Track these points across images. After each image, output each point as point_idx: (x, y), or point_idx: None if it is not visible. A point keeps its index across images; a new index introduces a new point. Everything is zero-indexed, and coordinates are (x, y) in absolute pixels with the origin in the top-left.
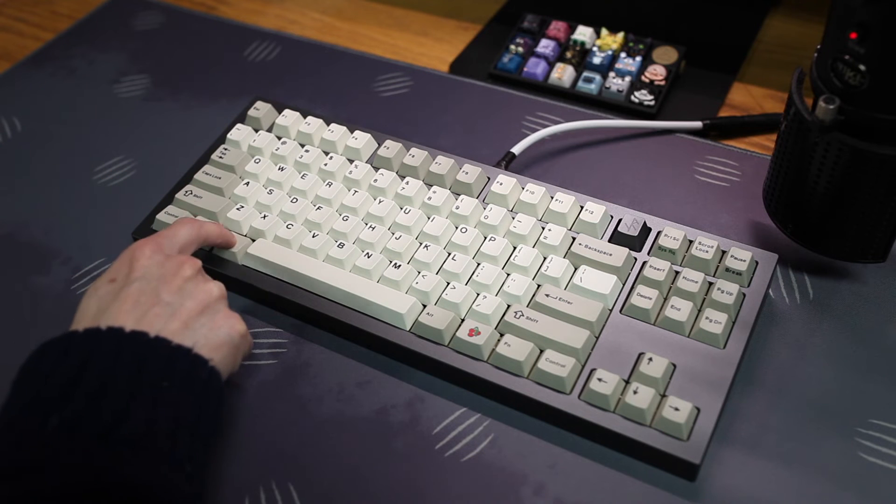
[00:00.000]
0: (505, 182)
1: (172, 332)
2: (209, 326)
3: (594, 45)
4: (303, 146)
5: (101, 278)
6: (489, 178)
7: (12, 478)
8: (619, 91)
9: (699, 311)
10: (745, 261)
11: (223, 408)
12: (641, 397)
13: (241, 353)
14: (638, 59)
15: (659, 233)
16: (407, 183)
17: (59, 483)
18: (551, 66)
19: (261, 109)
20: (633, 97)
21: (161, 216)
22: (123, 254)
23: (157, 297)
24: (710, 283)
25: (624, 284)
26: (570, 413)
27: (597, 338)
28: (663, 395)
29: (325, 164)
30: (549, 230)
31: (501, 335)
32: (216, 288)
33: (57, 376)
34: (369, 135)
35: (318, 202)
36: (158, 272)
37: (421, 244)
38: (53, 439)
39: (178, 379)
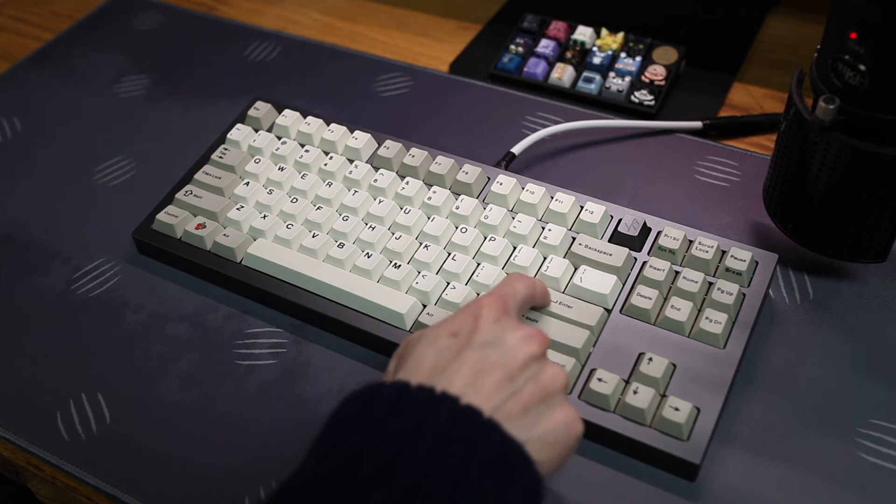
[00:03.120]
0: (505, 182)
1: (508, 414)
2: (547, 418)
3: (594, 45)
4: (303, 146)
5: (441, 327)
6: (489, 178)
7: None
8: (619, 91)
9: (699, 311)
10: (745, 261)
11: None
12: (641, 397)
13: (568, 456)
14: (638, 59)
15: (659, 233)
16: (407, 183)
17: None
18: (551, 66)
19: (261, 109)
20: (633, 97)
21: (161, 216)
22: (468, 307)
23: (500, 369)
24: (710, 283)
25: (624, 284)
26: None
27: (597, 338)
28: (663, 395)
29: (325, 164)
30: (549, 230)
31: None
32: (561, 376)
33: (382, 438)
34: (369, 135)
35: (318, 202)
36: (505, 341)
37: (421, 244)
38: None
39: (504, 480)
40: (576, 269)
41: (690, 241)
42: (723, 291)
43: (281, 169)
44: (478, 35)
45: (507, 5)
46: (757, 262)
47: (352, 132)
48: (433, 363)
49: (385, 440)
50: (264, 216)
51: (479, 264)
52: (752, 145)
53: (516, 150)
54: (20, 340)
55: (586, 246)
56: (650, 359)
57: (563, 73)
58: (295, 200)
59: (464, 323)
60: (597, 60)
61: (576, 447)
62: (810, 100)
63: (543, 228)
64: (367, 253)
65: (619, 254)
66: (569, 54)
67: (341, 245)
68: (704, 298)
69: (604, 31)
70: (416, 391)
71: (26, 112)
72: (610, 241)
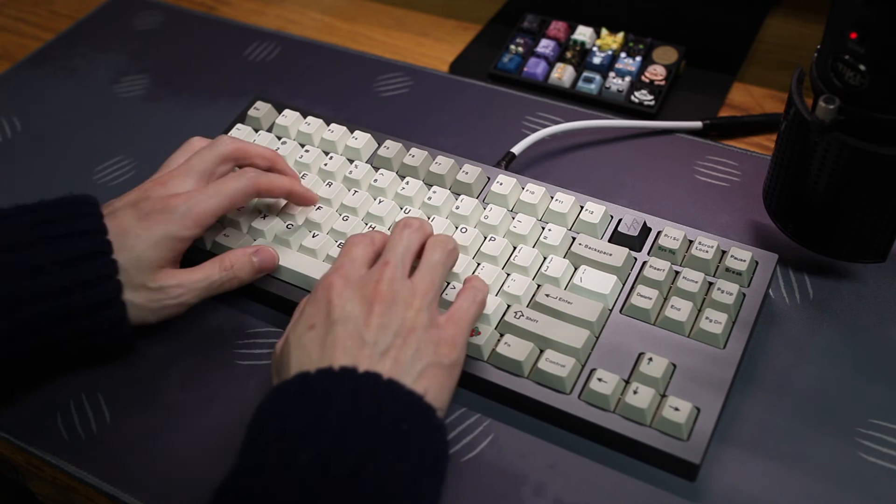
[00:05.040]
0: (505, 182)
1: (388, 371)
2: (414, 356)
3: (594, 45)
4: (303, 146)
5: (298, 325)
6: (489, 178)
7: None
8: (619, 91)
9: (699, 311)
10: (745, 261)
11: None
12: (641, 397)
13: (455, 377)
14: (638, 59)
15: (659, 233)
16: (407, 183)
17: None
18: (551, 66)
19: (261, 109)
20: (633, 97)
21: None
22: (316, 295)
23: (361, 338)
24: (710, 283)
25: (624, 284)
26: (570, 413)
27: (597, 338)
28: (663, 395)
29: (325, 164)
30: (549, 230)
31: (501, 335)
32: (412, 313)
33: (300, 414)
34: (369, 135)
35: (318, 203)
36: (355, 311)
37: None
38: (306, 477)
39: (415, 422)
40: (576, 269)
41: (690, 241)
42: (723, 291)
43: None
44: (478, 35)
45: (507, 5)
46: (757, 262)
47: (352, 132)
48: (307, 360)
49: (298, 417)
50: (264, 216)
51: (479, 264)
52: (752, 145)
53: (516, 150)
54: None
55: (586, 246)
56: (650, 359)
57: (563, 73)
58: None
59: (316, 312)
60: (597, 60)
61: (454, 360)
62: (810, 100)
63: (543, 228)
64: None
65: (619, 254)
66: (569, 54)
67: (341, 245)
68: (704, 298)
69: (604, 31)
70: (316, 375)
71: (26, 112)
72: (610, 241)
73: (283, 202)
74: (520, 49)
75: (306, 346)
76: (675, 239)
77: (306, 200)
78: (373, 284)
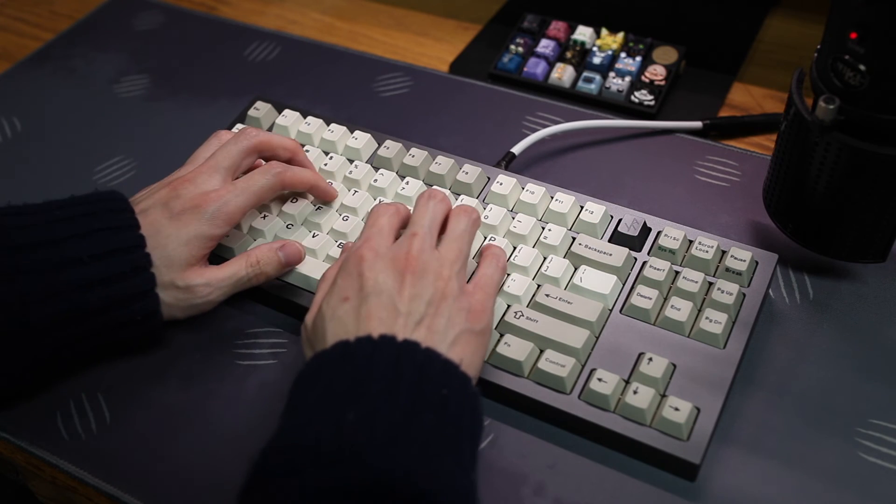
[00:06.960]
0: (505, 182)
1: (423, 339)
2: (447, 324)
3: (594, 45)
4: (303, 146)
5: (332, 297)
6: (489, 178)
7: (313, 467)
8: (619, 91)
9: (699, 311)
10: (745, 261)
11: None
12: (641, 397)
13: (486, 343)
14: (638, 59)
15: (659, 233)
16: (407, 183)
17: (358, 480)
18: (551, 66)
19: (261, 109)
20: (633, 97)
21: None
22: (347, 267)
23: (395, 308)
24: (710, 283)
25: (624, 284)
26: (570, 413)
27: (597, 338)
28: (663, 395)
29: (325, 164)
30: (549, 230)
31: (501, 335)
32: (442, 283)
33: (343, 378)
34: (369, 135)
35: (318, 202)
36: (387, 283)
37: None
38: (352, 435)
39: (454, 389)
40: (576, 269)
41: (690, 241)
42: (723, 291)
43: None
44: (478, 35)
45: (507, 5)
46: (757, 262)
47: (352, 132)
48: (343, 331)
49: (342, 381)
50: (264, 216)
51: (478, 264)
52: (752, 145)
53: (516, 150)
54: None
55: (586, 246)
56: (650, 359)
57: (563, 73)
58: (295, 200)
59: (350, 285)
60: (597, 60)
61: (482, 325)
62: (810, 100)
63: (543, 228)
64: None
65: (619, 254)
66: (569, 54)
67: (341, 245)
68: (704, 298)
69: (604, 31)
70: (356, 342)
71: (26, 112)
72: (610, 241)
73: (286, 200)
74: (520, 49)
75: (342, 317)
76: (675, 239)
77: (327, 196)
78: (403, 256)
